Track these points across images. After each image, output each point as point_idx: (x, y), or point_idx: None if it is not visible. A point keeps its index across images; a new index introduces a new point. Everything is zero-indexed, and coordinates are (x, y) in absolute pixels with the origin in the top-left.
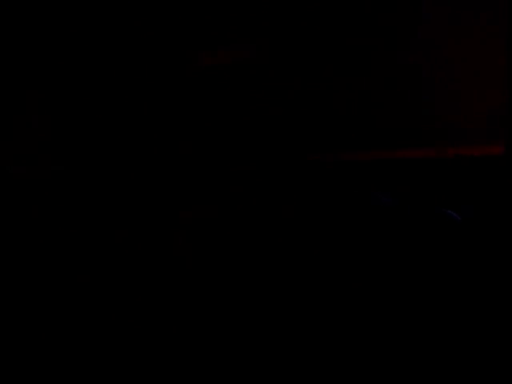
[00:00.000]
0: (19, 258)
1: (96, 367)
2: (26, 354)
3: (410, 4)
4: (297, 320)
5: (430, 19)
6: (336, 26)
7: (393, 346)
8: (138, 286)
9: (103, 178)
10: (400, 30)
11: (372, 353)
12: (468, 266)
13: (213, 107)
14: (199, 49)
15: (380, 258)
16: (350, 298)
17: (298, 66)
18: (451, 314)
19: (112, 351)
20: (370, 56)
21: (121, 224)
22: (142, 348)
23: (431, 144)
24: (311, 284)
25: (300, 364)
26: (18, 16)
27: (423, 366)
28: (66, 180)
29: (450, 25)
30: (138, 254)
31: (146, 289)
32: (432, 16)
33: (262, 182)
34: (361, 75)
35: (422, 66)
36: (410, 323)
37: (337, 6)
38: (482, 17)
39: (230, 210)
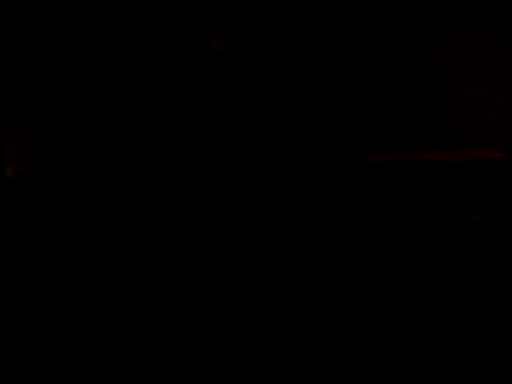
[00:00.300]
0: (30, 256)
1: (105, 363)
2: (29, 350)
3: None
4: (323, 313)
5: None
6: (354, 26)
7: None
8: (156, 283)
9: (115, 177)
10: (423, 34)
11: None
12: (489, 266)
13: (220, 104)
14: (196, 39)
15: (402, 257)
16: (366, 294)
17: (316, 66)
18: (468, 312)
19: (124, 348)
20: (389, 60)
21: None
22: (155, 343)
23: (443, 147)
24: (332, 279)
25: (302, 362)
26: (23, 16)
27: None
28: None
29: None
30: (156, 252)
31: (161, 284)
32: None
33: (286, 182)
34: (383, 77)
35: (441, 69)
36: (429, 320)
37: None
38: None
39: (256, 208)
